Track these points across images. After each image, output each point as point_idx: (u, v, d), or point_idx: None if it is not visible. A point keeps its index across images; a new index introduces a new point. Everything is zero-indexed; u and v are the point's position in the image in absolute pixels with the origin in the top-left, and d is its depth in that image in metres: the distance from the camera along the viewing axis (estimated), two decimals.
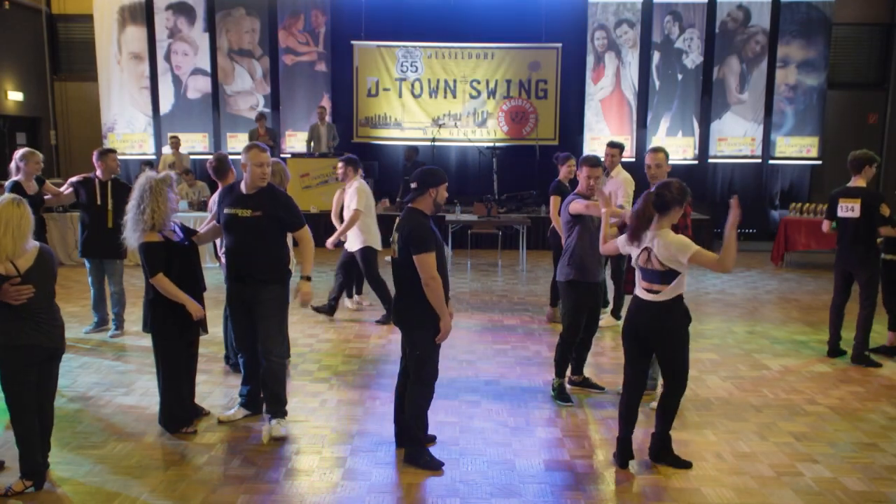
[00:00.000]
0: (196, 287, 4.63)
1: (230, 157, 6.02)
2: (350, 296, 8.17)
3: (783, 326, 7.60)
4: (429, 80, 13.93)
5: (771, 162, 13.82)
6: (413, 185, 4.16)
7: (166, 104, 13.89)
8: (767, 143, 13.70)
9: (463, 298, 8.57)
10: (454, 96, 13.96)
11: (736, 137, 13.78)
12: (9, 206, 3.67)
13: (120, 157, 7.60)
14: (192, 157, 13.38)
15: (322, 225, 10.64)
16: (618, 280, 7.40)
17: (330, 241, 7.38)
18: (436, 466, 4.21)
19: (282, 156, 12.72)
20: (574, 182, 7.35)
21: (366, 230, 7.31)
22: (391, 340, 6.72)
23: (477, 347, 6.64)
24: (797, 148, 13.79)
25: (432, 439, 4.53)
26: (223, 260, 5.84)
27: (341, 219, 7.57)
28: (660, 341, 4.11)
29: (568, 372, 5.72)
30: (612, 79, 13.77)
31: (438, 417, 4.88)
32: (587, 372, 5.67)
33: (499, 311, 8.10)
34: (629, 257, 4.29)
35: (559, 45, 13.74)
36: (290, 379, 5.51)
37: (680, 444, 4.42)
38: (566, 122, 14.01)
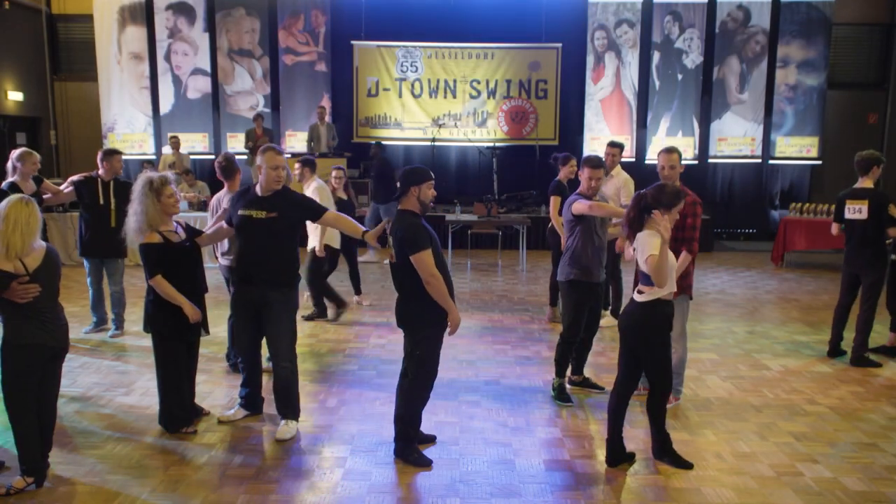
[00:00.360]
0: (196, 289, 4.63)
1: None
2: (358, 292, 8.22)
3: (783, 326, 7.60)
4: (429, 80, 13.94)
5: (771, 162, 13.83)
6: (397, 185, 4.17)
7: (166, 104, 13.89)
8: (767, 143, 13.70)
9: (463, 298, 8.57)
10: (454, 96, 13.97)
11: (736, 137, 13.79)
12: (17, 205, 3.71)
13: None
14: (192, 157, 13.39)
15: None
16: (617, 280, 7.40)
17: (319, 250, 7.29)
18: (425, 463, 4.23)
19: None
20: (573, 182, 7.38)
21: (324, 229, 7.26)
22: (391, 340, 6.73)
23: (477, 347, 6.64)
24: (797, 148, 13.80)
25: (432, 439, 4.54)
26: (222, 261, 5.85)
27: None
28: (637, 341, 4.15)
29: (568, 372, 5.73)
30: (612, 79, 13.77)
31: (438, 417, 4.88)
32: (587, 372, 5.67)
33: (499, 311, 8.10)
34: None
35: (559, 45, 13.75)
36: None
37: (680, 444, 4.42)
38: (566, 122, 14.02)
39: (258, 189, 4.60)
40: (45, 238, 3.96)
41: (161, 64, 13.77)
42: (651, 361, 4.16)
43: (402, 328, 4.28)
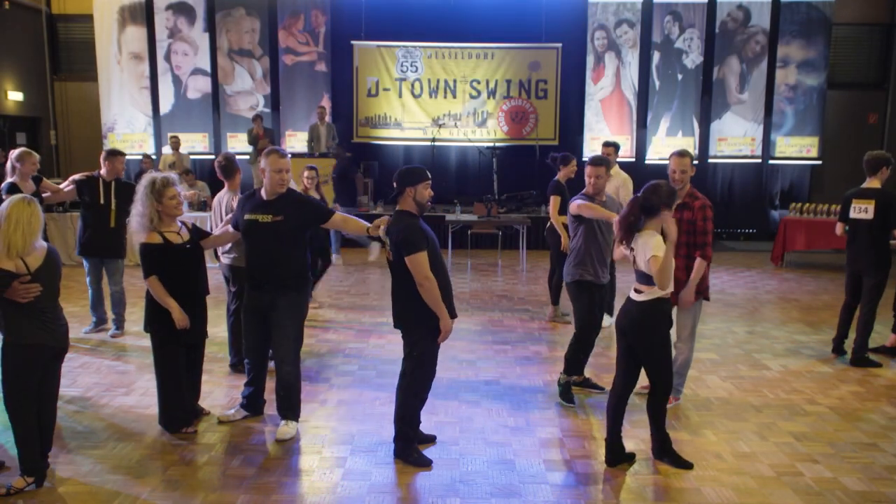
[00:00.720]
0: (195, 291, 4.61)
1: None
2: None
3: (783, 326, 7.60)
4: (429, 80, 13.94)
5: (771, 162, 13.83)
6: (394, 185, 4.15)
7: (166, 104, 13.89)
8: (767, 143, 13.70)
9: (463, 298, 8.57)
10: (454, 96, 13.96)
11: (736, 137, 13.79)
12: (20, 204, 3.72)
13: None
14: (192, 157, 13.40)
15: None
16: (612, 277, 7.39)
17: None
18: (425, 463, 4.23)
19: None
20: (572, 182, 7.38)
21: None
22: (391, 341, 6.72)
23: (477, 347, 6.64)
24: (797, 148, 13.80)
25: (432, 439, 4.54)
26: (223, 260, 5.85)
27: None
28: (638, 341, 4.15)
29: None
30: (612, 79, 13.77)
31: (438, 417, 4.89)
32: (587, 372, 5.67)
33: (499, 311, 8.10)
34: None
35: (559, 45, 13.75)
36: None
37: (680, 444, 4.42)
38: (566, 122, 14.02)
39: (263, 193, 4.58)
40: (45, 238, 3.96)
41: (161, 64, 13.77)
42: (651, 360, 4.16)
43: (399, 328, 4.27)
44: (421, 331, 4.15)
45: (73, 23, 14.31)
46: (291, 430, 4.62)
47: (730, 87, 13.66)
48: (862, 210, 6.11)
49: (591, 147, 13.42)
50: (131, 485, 3.98)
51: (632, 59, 13.68)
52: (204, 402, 5.04)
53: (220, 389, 5.47)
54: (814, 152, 13.76)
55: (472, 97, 13.98)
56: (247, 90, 13.92)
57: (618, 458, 4.25)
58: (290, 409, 4.67)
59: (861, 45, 14.13)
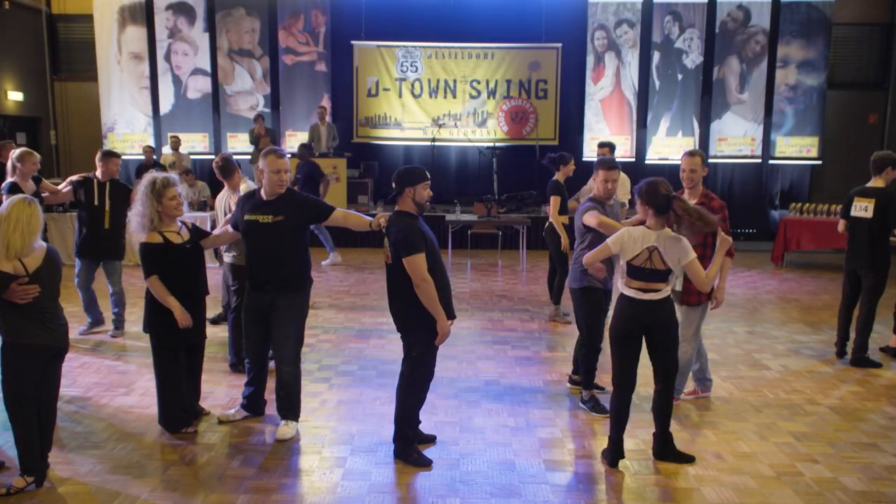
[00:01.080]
0: (195, 290, 4.61)
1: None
2: None
3: (783, 326, 7.60)
4: (429, 80, 13.93)
5: (771, 162, 13.81)
6: (392, 185, 4.13)
7: (166, 104, 13.88)
8: (767, 143, 13.69)
9: (463, 298, 8.57)
10: (454, 96, 13.96)
11: (736, 137, 13.78)
12: (20, 205, 3.72)
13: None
14: (192, 157, 13.39)
15: None
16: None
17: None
18: (425, 463, 4.23)
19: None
20: (570, 181, 7.36)
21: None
22: (391, 340, 6.72)
23: (477, 347, 6.64)
24: (797, 148, 13.78)
25: (432, 439, 4.54)
26: (226, 258, 5.85)
27: None
28: (662, 337, 4.14)
29: (569, 371, 5.73)
30: (612, 79, 13.76)
31: (438, 417, 4.89)
32: None
33: (499, 311, 8.10)
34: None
35: (559, 45, 13.74)
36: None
37: (680, 443, 4.42)
38: (566, 122, 14.01)
39: (262, 193, 4.57)
40: (44, 238, 3.96)
41: (161, 64, 13.76)
42: (671, 356, 4.19)
43: (398, 329, 4.26)
44: (419, 332, 4.14)
45: (73, 23, 14.30)
46: (291, 430, 4.62)
47: (730, 87, 13.65)
48: (862, 209, 6.13)
49: (592, 147, 13.41)
50: (131, 485, 3.98)
51: (632, 59, 13.67)
52: (204, 402, 5.04)
53: (220, 389, 5.47)
54: (814, 152, 13.75)
55: (472, 97, 13.97)
56: (247, 90, 13.92)
57: (618, 458, 4.25)
58: (290, 409, 4.67)
59: (861, 45, 14.12)
